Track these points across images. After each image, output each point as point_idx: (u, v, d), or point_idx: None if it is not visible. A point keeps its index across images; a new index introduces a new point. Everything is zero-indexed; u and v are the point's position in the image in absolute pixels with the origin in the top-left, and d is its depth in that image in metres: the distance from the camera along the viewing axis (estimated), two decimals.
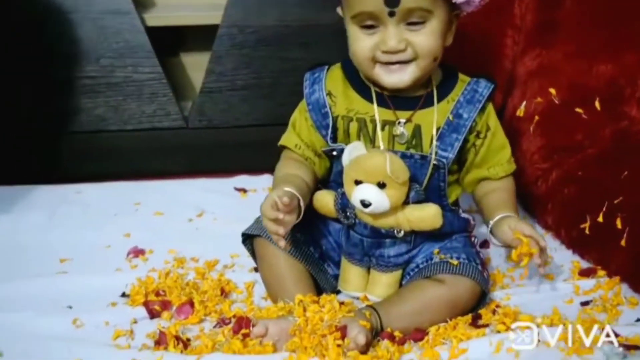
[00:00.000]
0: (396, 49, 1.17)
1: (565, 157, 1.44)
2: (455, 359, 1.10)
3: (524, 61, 1.56)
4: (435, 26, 1.18)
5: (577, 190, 1.40)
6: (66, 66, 1.80)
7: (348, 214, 1.24)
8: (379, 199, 1.17)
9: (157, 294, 1.28)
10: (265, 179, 1.73)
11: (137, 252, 1.44)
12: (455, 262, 1.21)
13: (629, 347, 1.08)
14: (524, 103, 1.51)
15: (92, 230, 1.53)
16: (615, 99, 1.42)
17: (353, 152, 1.20)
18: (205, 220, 1.59)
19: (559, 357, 1.08)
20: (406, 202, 1.21)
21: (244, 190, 1.72)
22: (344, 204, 1.24)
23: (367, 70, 1.22)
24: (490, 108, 1.29)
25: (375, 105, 1.25)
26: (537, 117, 1.49)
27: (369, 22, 1.18)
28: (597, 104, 1.42)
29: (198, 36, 1.90)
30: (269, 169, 1.69)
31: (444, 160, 1.24)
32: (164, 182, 1.76)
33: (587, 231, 1.34)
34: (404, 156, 1.22)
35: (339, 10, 1.25)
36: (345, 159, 1.21)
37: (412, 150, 1.24)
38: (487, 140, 1.28)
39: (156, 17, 1.84)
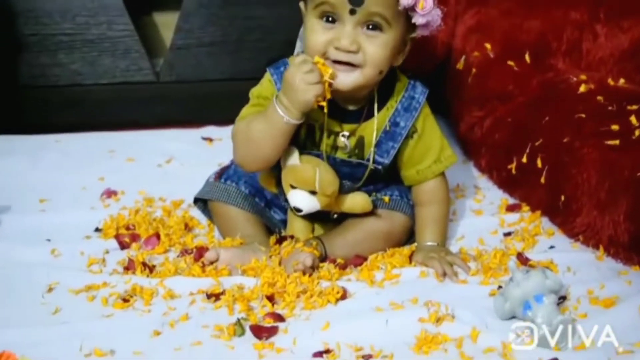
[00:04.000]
0: (348, 49, 1.19)
1: (498, 105, 1.58)
2: (388, 281, 1.25)
3: (464, 19, 1.69)
4: (389, 39, 1.22)
5: (506, 135, 1.54)
6: (44, 23, 1.92)
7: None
8: (310, 205, 1.29)
9: (128, 228, 1.42)
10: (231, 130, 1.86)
11: (110, 193, 1.57)
12: (386, 198, 1.36)
13: None
14: (464, 57, 1.65)
15: (69, 174, 1.65)
16: (543, 52, 1.56)
17: (288, 157, 1.29)
18: (174, 166, 1.72)
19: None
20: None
21: (210, 140, 1.85)
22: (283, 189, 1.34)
23: None
24: (423, 110, 1.32)
25: (325, 115, 1.26)
26: (474, 70, 1.63)
27: (329, 15, 1.20)
28: (527, 57, 1.57)
29: None
30: (235, 120, 1.83)
31: (380, 166, 1.32)
32: (137, 132, 1.88)
33: (513, 171, 1.49)
34: (343, 162, 1.31)
35: (301, 4, 1.29)
36: (282, 161, 1.31)
37: (353, 158, 1.31)
38: (413, 142, 1.32)
39: None
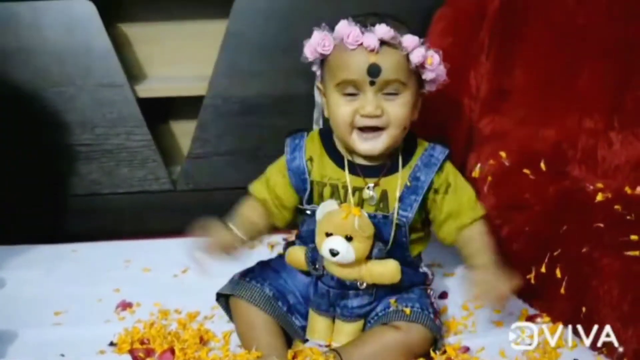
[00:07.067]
0: (373, 114, 1.32)
1: (515, 214, 1.56)
2: None
3: (479, 127, 1.70)
4: (407, 98, 1.34)
5: (524, 244, 1.52)
6: (64, 134, 1.94)
7: (317, 266, 1.38)
8: (346, 250, 1.32)
9: (142, 343, 1.40)
10: None
11: (125, 305, 1.57)
12: (408, 310, 1.34)
13: None
14: (479, 165, 1.65)
15: (85, 285, 1.65)
16: (559, 160, 1.56)
17: (326, 208, 1.36)
18: (190, 276, 1.71)
19: None
20: (369, 258, 1.36)
21: None
22: (314, 257, 1.38)
23: (345, 135, 1.36)
24: (448, 167, 1.42)
25: (347, 172, 1.39)
26: (490, 178, 1.62)
27: (351, 90, 1.33)
28: (542, 166, 1.56)
29: (186, 106, 2.05)
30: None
31: (404, 219, 1.38)
32: (153, 241, 1.88)
33: (532, 281, 1.47)
34: (369, 217, 1.36)
35: (318, 83, 1.42)
36: (319, 214, 1.37)
37: (378, 212, 1.38)
38: (450, 196, 1.41)
39: (147, 89, 1.99)
